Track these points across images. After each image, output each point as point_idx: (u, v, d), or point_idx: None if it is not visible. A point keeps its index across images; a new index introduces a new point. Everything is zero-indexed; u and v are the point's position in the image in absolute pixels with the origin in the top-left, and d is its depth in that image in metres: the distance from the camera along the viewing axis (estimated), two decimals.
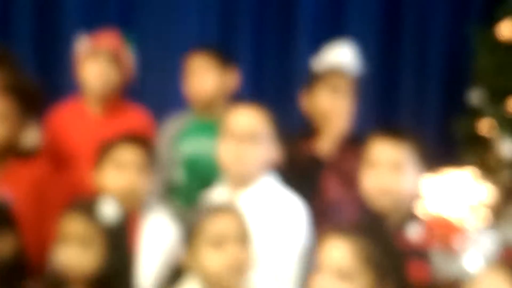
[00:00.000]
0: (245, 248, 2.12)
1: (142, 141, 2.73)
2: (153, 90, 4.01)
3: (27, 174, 2.81)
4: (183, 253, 2.18)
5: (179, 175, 3.12)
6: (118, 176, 2.57)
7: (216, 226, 2.11)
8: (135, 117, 3.19)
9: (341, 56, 3.13)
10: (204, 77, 3.16)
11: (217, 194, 2.58)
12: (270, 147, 2.57)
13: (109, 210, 2.26)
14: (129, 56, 3.28)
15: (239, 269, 2.10)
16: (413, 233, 2.11)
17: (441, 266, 1.57)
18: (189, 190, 3.01)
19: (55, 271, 2.28)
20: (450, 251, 1.54)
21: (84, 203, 2.32)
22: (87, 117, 3.21)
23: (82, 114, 3.22)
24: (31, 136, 2.98)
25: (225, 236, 2.09)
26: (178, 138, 3.16)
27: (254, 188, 2.52)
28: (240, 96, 3.90)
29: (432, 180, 1.62)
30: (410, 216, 2.24)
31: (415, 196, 2.31)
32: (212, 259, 2.08)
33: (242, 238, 2.13)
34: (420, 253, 2.05)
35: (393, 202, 2.25)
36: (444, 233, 1.55)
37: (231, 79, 3.24)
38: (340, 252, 1.86)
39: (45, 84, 3.41)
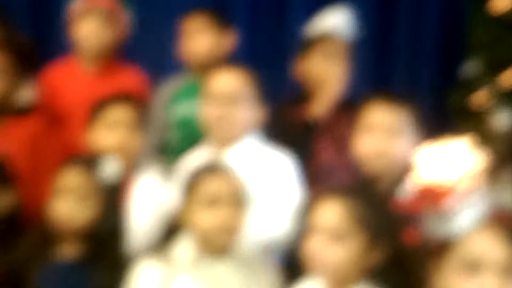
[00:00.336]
0: (237, 209, 2.11)
1: (134, 101, 2.73)
2: (149, 51, 3.91)
3: (23, 130, 2.83)
4: (178, 210, 2.18)
5: (173, 137, 3.08)
6: (109, 135, 2.59)
7: (210, 186, 2.11)
8: (130, 77, 3.16)
9: (335, 21, 3.09)
10: (200, 38, 3.12)
11: (198, 154, 2.57)
12: (253, 108, 2.57)
13: (110, 168, 2.26)
14: (124, 16, 3.24)
15: (230, 229, 2.09)
16: (405, 195, 2.11)
17: (433, 227, 1.56)
18: (182, 151, 2.92)
19: (50, 225, 2.27)
20: (441, 213, 1.53)
21: (84, 158, 2.33)
22: (81, 76, 3.18)
23: (76, 73, 3.19)
24: (26, 93, 3.00)
25: (218, 196, 2.09)
26: (172, 100, 3.12)
27: (238, 147, 2.51)
28: (234, 59, 3.94)
29: (426, 150, 1.61)
30: (403, 181, 2.22)
31: (409, 161, 2.28)
32: (205, 218, 2.07)
33: (235, 199, 2.11)
34: (411, 217, 2.05)
35: (387, 166, 2.25)
36: (436, 194, 1.53)
37: (227, 41, 3.21)
38: (332, 213, 1.86)
39: (40, 42, 3.42)
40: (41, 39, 3.58)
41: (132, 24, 3.31)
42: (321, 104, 3.00)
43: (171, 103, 3.12)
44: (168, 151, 3.04)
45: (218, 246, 2.10)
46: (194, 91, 3.04)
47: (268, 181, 2.45)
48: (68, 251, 2.25)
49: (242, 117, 2.53)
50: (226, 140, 2.53)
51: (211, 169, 2.17)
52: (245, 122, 2.55)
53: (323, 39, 3.06)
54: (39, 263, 2.22)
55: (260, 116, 2.60)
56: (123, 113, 2.63)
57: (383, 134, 2.25)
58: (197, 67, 3.16)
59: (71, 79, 3.16)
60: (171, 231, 2.19)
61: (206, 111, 2.57)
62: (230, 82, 2.56)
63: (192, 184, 2.13)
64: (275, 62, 4.00)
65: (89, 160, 2.28)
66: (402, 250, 1.89)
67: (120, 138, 2.59)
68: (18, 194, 2.46)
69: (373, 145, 2.25)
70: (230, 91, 2.53)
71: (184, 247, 2.11)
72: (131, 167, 2.61)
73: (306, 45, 3.12)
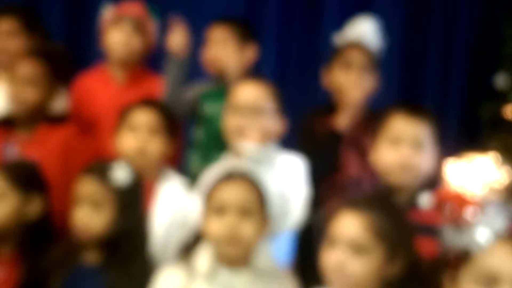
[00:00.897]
0: (248, 218, 2.06)
1: (157, 105, 2.72)
2: None
3: (56, 137, 2.85)
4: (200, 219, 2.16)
5: (200, 134, 3.11)
6: (131, 138, 2.60)
7: (221, 194, 2.09)
8: (157, 85, 3.13)
9: (360, 31, 3.07)
10: (221, 48, 3.13)
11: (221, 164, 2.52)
12: (273, 120, 2.59)
13: (121, 173, 2.25)
14: (152, 26, 3.25)
15: (238, 238, 2.04)
16: (425, 205, 2.09)
17: (452, 239, 1.53)
18: (208, 148, 3.03)
19: (74, 232, 2.29)
20: (460, 224, 1.50)
21: (98, 166, 2.31)
22: (111, 84, 3.20)
23: (106, 81, 3.21)
24: (61, 101, 3.03)
25: (227, 204, 2.06)
26: (201, 100, 3.13)
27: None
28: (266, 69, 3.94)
29: (455, 163, 1.59)
30: (423, 193, 2.20)
31: (431, 174, 2.28)
32: (213, 226, 2.06)
33: (246, 208, 2.07)
34: (429, 229, 2.06)
35: (409, 179, 2.23)
36: (455, 205, 1.51)
37: (249, 53, 3.19)
38: (354, 225, 1.84)
39: (73, 52, 3.44)
40: (75, 48, 3.59)
41: (159, 34, 3.31)
42: (345, 114, 2.96)
43: (199, 102, 3.13)
44: (195, 149, 3.12)
45: (231, 256, 2.07)
46: (219, 94, 3.06)
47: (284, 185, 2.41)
48: (90, 258, 2.26)
49: (262, 128, 2.55)
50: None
51: (226, 177, 2.14)
52: (264, 133, 2.55)
53: (347, 48, 3.05)
54: (64, 270, 2.23)
55: (281, 128, 2.62)
56: (144, 116, 2.63)
57: (408, 146, 2.23)
58: (218, 76, 3.17)
59: (101, 86, 3.19)
60: (196, 239, 2.17)
61: (228, 120, 2.61)
62: (252, 94, 2.60)
63: (208, 192, 2.12)
64: (306, 73, 4.01)
65: (102, 167, 2.27)
66: (419, 262, 1.87)
67: (140, 140, 2.59)
68: (49, 201, 2.45)
69: (396, 157, 2.23)
70: (251, 103, 2.56)
71: (204, 257, 2.10)
72: (154, 170, 2.63)
73: (333, 55, 3.11)
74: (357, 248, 1.82)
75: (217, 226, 2.05)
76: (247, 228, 2.05)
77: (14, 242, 2.36)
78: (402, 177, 2.23)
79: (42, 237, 2.39)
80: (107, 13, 3.24)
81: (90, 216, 2.21)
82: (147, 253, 2.28)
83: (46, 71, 2.89)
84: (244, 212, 2.06)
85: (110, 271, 2.19)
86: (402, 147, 2.24)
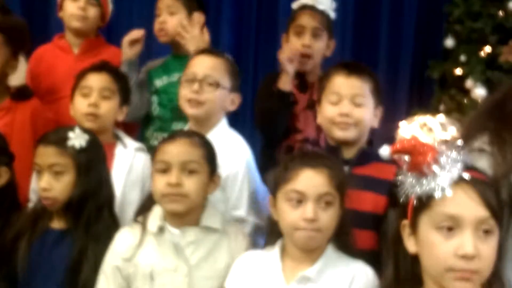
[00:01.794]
0: (190, 175, 2.04)
1: (108, 69, 2.68)
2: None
3: (22, 111, 2.82)
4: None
5: (154, 105, 3.10)
6: (83, 101, 2.57)
7: (164, 153, 2.07)
8: (112, 54, 3.11)
9: None
10: (170, 18, 3.10)
11: None
12: (228, 94, 2.52)
13: (77, 138, 2.22)
14: None
15: (179, 194, 2.02)
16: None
17: (414, 187, 1.54)
18: (162, 118, 3.04)
19: (39, 200, 2.29)
20: (420, 173, 1.51)
21: (55, 134, 2.27)
22: (68, 54, 3.15)
23: (64, 51, 3.17)
24: (21, 71, 3.01)
25: (170, 162, 2.04)
26: (149, 77, 3.14)
27: (212, 133, 2.45)
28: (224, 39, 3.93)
29: (409, 122, 1.60)
30: (368, 150, 2.28)
31: (372, 132, 2.31)
32: (158, 184, 2.05)
33: (188, 165, 2.05)
34: (375, 182, 2.16)
35: (352, 134, 2.22)
36: (415, 156, 1.52)
37: (197, 21, 3.11)
38: (320, 182, 1.86)
39: (32, 22, 3.39)
40: (33, 19, 3.54)
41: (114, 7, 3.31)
42: (285, 76, 2.92)
43: (153, 74, 3.13)
44: (152, 118, 3.11)
45: (176, 212, 2.05)
46: (170, 65, 3.12)
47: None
48: (56, 223, 2.24)
49: (216, 101, 2.49)
50: (201, 123, 2.49)
51: (170, 137, 2.14)
52: (219, 106, 2.51)
53: (300, 13, 3.00)
54: (31, 235, 2.22)
55: (235, 102, 2.57)
56: (96, 80, 2.60)
57: (347, 103, 2.22)
58: (171, 44, 3.17)
59: (59, 56, 3.15)
60: (151, 201, 2.16)
61: (183, 92, 2.52)
62: (208, 66, 2.50)
63: (155, 151, 2.12)
64: (265, 40, 4.05)
65: (58, 135, 2.24)
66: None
67: (92, 102, 2.56)
68: (14, 172, 2.42)
69: (337, 113, 2.22)
70: (207, 74, 2.47)
71: (154, 217, 2.10)
72: (107, 134, 2.61)
73: (288, 23, 3.06)
74: (326, 202, 1.85)
75: (161, 184, 2.03)
76: (190, 184, 2.03)
77: None
78: (344, 132, 2.22)
79: (7, 206, 2.36)
80: None
81: (51, 183, 2.18)
82: (111, 214, 2.27)
83: (4, 42, 2.82)
84: (186, 169, 2.04)
85: (76, 234, 2.18)
86: (342, 103, 2.22)
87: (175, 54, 3.16)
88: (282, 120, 2.86)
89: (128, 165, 2.55)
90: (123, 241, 2.10)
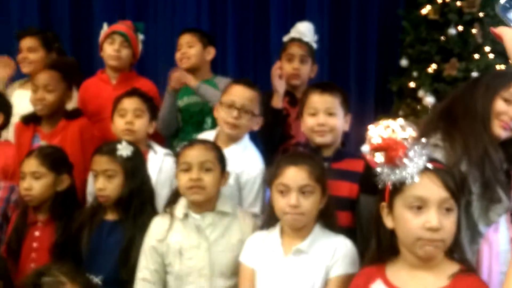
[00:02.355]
0: (207, 172, 2.04)
1: (139, 93, 2.67)
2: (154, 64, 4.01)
3: (72, 129, 2.80)
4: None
5: (178, 121, 3.07)
6: (121, 120, 2.57)
7: (186, 155, 2.06)
8: (142, 83, 3.08)
9: (299, 30, 3.01)
10: (189, 49, 3.08)
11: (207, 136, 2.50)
12: (257, 120, 2.47)
13: (123, 149, 2.22)
14: (137, 39, 3.18)
15: (199, 188, 2.02)
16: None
17: (388, 176, 1.54)
18: (185, 131, 3.01)
19: (96, 198, 2.28)
20: (393, 165, 1.51)
21: (106, 146, 2.27)
22: (108, 84, 3.13)
23: (104, 82, 3.15)
24: (74, 99, 3.03)
25: (191, 163, 2.03)
26: (179, 94, 3.09)
27: (232, 148, 2.41)
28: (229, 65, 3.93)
29: (375, 126, 1.59)
30: (342, 150, 2.27)
31: (344, 134, 2.30)
32: (182, 180, 2.04)
33: (205, 164, 2.04)
34: (349, 174, 2.15)
35: (328, 138, 2.21)
36: (389, 152, 1.52)
37: (209, 53, 3.13)
38: (301, 175, 1.85)
39: (81, 61, 3.39)
40: (81, 58, 3.53)
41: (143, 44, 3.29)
42: (277, 97, 2.90)
43: (177, 97, 3.08)
44: (177, 131, 3.09)
45: (197, 202, 2.05)
46: (187, 89, 3.06)
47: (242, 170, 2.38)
48: (109, 216, 2.25)
49: (248, 125, 2.45)
50: (231, 140, 2.44)
51: (190, 143, 2.13)
52: (249, 128, 2.47)
53: (290, 43, 2.99)
54: (90, 227, 2.22)
55: (259, 124, 2.51)
56: (129, 103, 2.59)
57: (322, 114, 2.21)
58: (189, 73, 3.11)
59: (101, 86, 3.14)
60: (176, 194, 2.16)
61: (222, 114, 2.42)
62: (247, 95, 2.42)
63: (178, 155, 2.11)
64: (260, 66, 4.04)
65: (109, 147, 2.25)
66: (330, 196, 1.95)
67: (128, 122, 2.55)
68: (73, 177, 2.42)
69: (315, 123, 2.21)
70: (246, 102, 2.40)
71: (180, 206, 2.10)
72: (141, 145, 2.56)
73: (281, 50, 3.04)
74: (306, 191, 1.84)
75: (185, 180, 2.02)
76: (207, 179, 2.03)
77: (48, 210, 2.33)
78: (322, 138, 2.20)
79: (70, 205, 2.35)
80: (103, 31, 3.17)
81: (105, 185, 2.18)
82: (152, 207, 2.27)
83: (61, 78, 2.83)
84: (204, 167, 2.04)
85: (126, 224, 2.18)
86: (319, 115, 2.21)
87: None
88: (277, 131, 2.83)
89: (158, 167, 2.52)
90: (157, 226, 2.10)
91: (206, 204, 2.07)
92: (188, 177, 2.02)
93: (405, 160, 1.50)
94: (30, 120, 2.84)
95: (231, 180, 2.24)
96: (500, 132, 1.85)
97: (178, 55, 3.11)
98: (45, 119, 2.82)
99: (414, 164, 1.50)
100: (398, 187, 1.53)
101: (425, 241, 1.48)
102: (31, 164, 2.30)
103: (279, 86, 2.87)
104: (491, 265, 1.80)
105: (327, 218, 1.92)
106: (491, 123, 1.85)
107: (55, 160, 2.35)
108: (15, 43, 3.30)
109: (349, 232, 2.00)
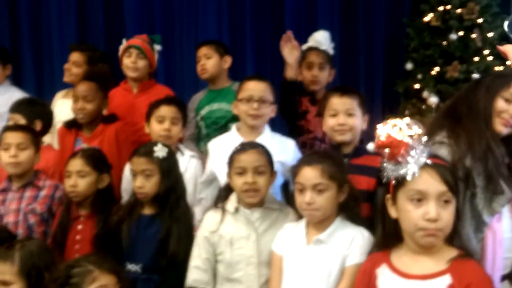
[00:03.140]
0: (260, 175, 2.03)
1: (177, 102, 2.68)
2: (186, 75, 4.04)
3: (109, 132, 2.83)
4: (227, 175, 2.13)
5: (202, 128, 3.07)
6: (159, 126, 2.58)
7: (241, 159, 2.05)
8: (161, 90, 3.08)
9: (316, 40, 3.02)
10: (208, 60, 3.08)
11: (226, 137, 2.51)
12: (272, 107, 2.49)
13: (160, 151, 2.23)
14: (153, 50, 3.17)
15: (255, 190, 2.02)
16: (371, 150, 2.10)
17: (391, 171, 1.54)
18: (210, 135, 2.97)
19: (133, 195, 2.27)
20: (397, 161, 1.51)
21: (144, 148, 2.27)
22: (130, 92, 3.12)
23: (127, 91, 3.14)
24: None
25: (246, 167, 2.02)
26: (199, 105, 3.09)
27: (262, 137, 2.42)
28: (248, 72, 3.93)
29: (383, 122, 1.59)
30: (360, 146, 2.24)
31: (363, 132, 2.28)
32: (238, 182, 2.03)
33: (259, 168, 2.03)
34: (369, 169, 2.11)
35: (348, 137, 2.21)
36: (392, 149, 1.52)
37: (226, 62, 3.12)
38: (314, 175, 1.84)
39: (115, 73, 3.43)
40: (115, 71, 3.56)
41: (160, 54, 3.28)
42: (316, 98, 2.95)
43: (198, 106, 3.09)
44: (201, 137, 3.08)
45: (252, 204, 2.04)
46: (210, 97, 3.07)
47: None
48: (147, 210, 2.25)
49: (267, 113, 2.46)
50: (256, 131, 2.45)
51: (242, 147, 2.10)
52: (268, 117, 2.48)
53: (309, 51, 3.00)
54: (130, 221, 2.22)
55: (275, 110, 2.52)
56: (168, 111, 2.60)
57: (342, 115, 2.21)
58: (208, 81, 3.14)
59: (125, 95, 3.13)
60: (225, 192, 2.16)
61: (243, 108, 2.43)
62: (262, 87, 2.45)
63: (231, 158, 2.08)
64: (277, 72, 4.00)
65: (147, 149, 2.24)
66: (355, 190, 1.94)
67: (166, 128, 2.57)
68: (111, 175, 2.45)
69: (336, 123, 2.21)
70: (262, 94, 2.43)
71: (231, 202, 2.10)
72: (175, 147, 2.60)
73: (301, 58, 3.03)
74: (319, 189, 1.83)
75: (240, 183, 2.03)
76: (261, 183, 2.03)
77: (90, 205, 2.35)
78: (342, 137, 2.21)
79: (109, 201, 2.38)
80: (122, 46, 3.18)
81: (144, 183, 2.19)
82: (185, 202, 2.27)
83: (97, 89, 2.86)
84: (258, 171, 2.03)
85: (163, 217, 2.18)
86: (339, 116, 2.21)
87: (211, 89, 3.12)
88: (293, 102, 2.86)
89: (184, 167, 2.51)
90: (210, 219, 2.10)
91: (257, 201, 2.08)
92: (244, 180, 2.02)
93: (407, 158, 1.50)
94: (72, 125, 2.88)
95: (276, 166, 2.25)
96: (502, 129, 1.83)
97: (198, 67, 3.12)
98: (86, 125, 2.86)
99: (415, 161, 1.51)
100: (401, 182, 1.54)
101: (425, 231, 1.50)
102: (77, 164, 2.33)
103: (289, 57, 2.87)
104: (495, 251, 1.79)
105: (349, 210, 1.91)
106: (492, 120, 1.83)
107: (97, 160, 2.38)
108: (54, 54, 3.33)
109: (368, 222, 1.99)
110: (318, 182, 1.83)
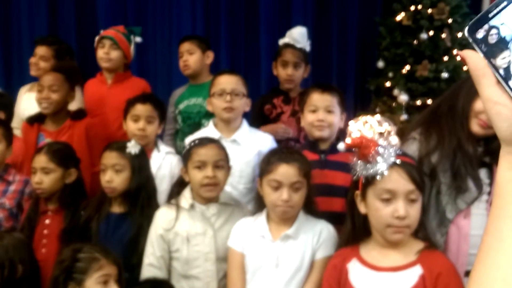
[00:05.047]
0: (220, 169, 2.00)
1: (152, 100, 2.63)
2: (160, 67, 3.99)
3: (78, 129, 2.77)
4: (181, 170, 2.11)
5: (179, 122, 3.04)
6: (134, 125, 2.53)
7: (200, 153, 2.00)
8: (136, 83, 3.06)
9: (292, 37, 2.98)
10: (190, 55, 3.04)
11: (209, 131, 2.46)
12: (246, 101, 2.46)
13: (133, 147, 2.19)
14: (127, 41, 3.10)
15: (215, 185, 1.99)
16: (342, 149, 2.10)
17: (361, 170, 1.55)
18: (184, 131, 2.97)
19: (101, 191, 2.23)
20: (366, 160, 1.52)
21: (117, 144, 2.25)
22: (104, 84, 3.07)
23: (102, 82, 3.08)
24: (77, 99, 2.97)
25: (206, 161, 1.98)
26: (178, 99, 3.07)
27: (240, 131, 2.42)
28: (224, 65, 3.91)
29: (355, 119, 1.59)
30: (338, 142, 2.23)
31: (340, 130, 2.27)
32: (197, 177, 1.98)
33: (218, 163, 2.00)
34: (344, 165, 2.05)
35: (326, 133, 2.21)
36: (362, 148, 1.53)
37: (208, 57, 3.10)
38: (291, 172, 1.83)
39: (87, 65, 3.35)
40: (87, 63, 3.49)
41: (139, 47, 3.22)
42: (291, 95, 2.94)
43: (177, 101, 3.07)
44: (177, 132, 3.06)
45: (210, 198, 2.02)
46: (189, 92, 3.04)
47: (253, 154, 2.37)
48: (116, 208, 2.22)
49: (242, 107, 2.43)
50: (231, 125, 2.43)
51: (201, 142, 2.06)
52: (242, 110, 2.45)
53: (284, 48, 2.97)
54: (99, 217, 2.19)
55: (248, 104, 2.49)
56: (143, 110, 2.54)
57: (321, 112, 2.20)
58: (190, 76, 3.10)
59: (100, 86, 3.07)
60: (181, 185, 2.12)
61: (218, 102, 2.40)
62: (234, 81, 2.44)
63: (189, 152, 2.04)
64: (250, 68, 4.03)
65: (119, 145, 2.22)
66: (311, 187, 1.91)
67: (142, 127, 2.51)
68: (80, 171, 2.40)
69: (315, 119, 2.20)
70: (236, 87, 2.41)
71: (185, 197, 2.06)
72: (151, 145, 2.56)
73: (277, 54, 3.01)
74: (295, 187, 1.83)
75: (199, 177, 1.98)
76: (220, 177, 2.01)
77: (58, 200, 2.31)
78: (320, 132, 2.20)
79: (77, 195, 2.33)
80: (97, 37, 3.12)
81: (112, 178, 2.15)
82: (156, 201, 2.24)
83: (64, 80, 2.79)
84: (217, 165, 2.01)
85: (134, 215, 2.15)
86: (319, 112, 2.21)
87: (192, 84, 3.09)
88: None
89: (158, 164, 2.49)
90: (163, 216, 2.06)
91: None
92: (203, 174, 1.97)
93: (376, 157, 1.52)
94: (35, 120, 2.81)
95: (255, 159, 2.23)
96: (478, 129, 1.81)
97: (181, 63, 3.07)
98: (50, 118, 2.78)
99: (384, 160, 1.52)
100: (370, 180, 1.55)
101: (394, 228, 1.54)
102: (41, 160, 2.28)
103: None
104: (459, 247, 1.81)
105: (309, 205, 1.91)
106: (470, 121, 1.82)
107: (63, 155, 2.33)
108: (24, 47, 3.25)
109: (344, 216, 1.98)
110: (296, 180, 1.82)
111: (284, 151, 1.97)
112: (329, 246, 1.85)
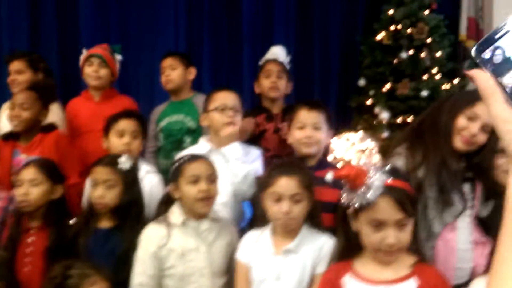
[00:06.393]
0: (213, 184, 2.01)
1: (136, 115, 2.62)
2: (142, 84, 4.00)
3: (48, 142, 2.74)
4: (170, 187, 2.08)
5: (160, 140, 3.02)
6: (118, 140, 2.49)
7: (193, 168, 2.00)
8: (123, 101, 3.05)
9: (274, 52, 3.02)
10: (173, 71, 3.04)
11: (200, 147, 2.44)
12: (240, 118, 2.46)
13: (124, 162, 2.18)
14: (114, 59, 3.12)
15: (210, 199, 2.00)
16: (329, 180, 2.11)
17: (352, 198, 1.55)
18: (166, 149, 2.96)
19: (89, 206, 2.19)
20: (355, 187, 1.53)
21: (108, 158, 2.22)
22: (91, 101, 3.07)
23: (88, 99, 3.08)
24: (50, 117, 2.90)
25: (199, 176, 1.98)
26: (160, 117, 3.05)
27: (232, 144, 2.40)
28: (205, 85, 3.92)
29: (338, 137, 1.60)
30: (324, 159, 2.22)
31: (327, 146, 2.25)
32: (191, 192, 1.97)
33: (212, 178, 2.01)
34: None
35: (313, 150, 2.22)
36: (350, 180, 1.53)
37: (191, 73, 3.10)
38: (291, 184, 1.83)
39: (67, 83, 3.32)
40: (69, 80, 3.47)
41: (122, 64, 3.21)
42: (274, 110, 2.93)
43: (159, 118, 3.05)
44: (159, 149, 3.04)
45: (205, 213, 2.01)
46: (171, 109, 3.03)
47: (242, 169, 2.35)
48: (104, 223, 2.18)
49: (239, 120, 2.44)
50: (226, 140, 2.41)
51: (192, 158, 2.06)
52: (239, 126, 2.45)
53: (267, 62, 2.99)
54: (86, 233, 2.15)
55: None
56: (128, 125, 2.51)
57: (309, 129, 2.22)
58: (172, 92, 3.10)
59: (85, 104, 3.07)
60: (168, 200, 2.09)
61: (218, 117, 2.40)
62: (234, 97, 2.46)
63: (180, 169, 2.03)
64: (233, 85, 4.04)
65: (111, 159, 2.20)
66: (316, 202, 1.91)
67: (126, 143, 2.48)
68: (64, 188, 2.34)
69: (303, 136, 2.22)
70: (236, 104, 2.43)
71: (176, 214, 2.04)
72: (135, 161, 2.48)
73: (259, 71, 3.02)
74: (296, 199, 1.83)
75: (194, 192, 1.97)
76: (214, 191, 2.01)
77: (42, 217, 2.26)
78: (308, 149, 2.21)
79: (62, 213, 2.29)
80: (83, 55, 3.11)
81: (104, 193, 2.13)
82: (144, 218, 2.21)
83: (36, 98, 2.76)
84: (211, 179, 2.01)
85: (124, 231, 2.12)
86: (306, 129, 2.22)
87: (174, 100, 3.08)
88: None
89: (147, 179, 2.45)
90: (154, 234, 2.02)
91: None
92: (198, 188, 1.96)
93: (365, 188, 1.52)
94: (9, 137, 2.79)
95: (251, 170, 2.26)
96: (461, 146, 1.85)
97: (163, 78, 3.07)
98: (23, 134, 2.76)
99: (373, 190, 1.52)
100: (360, 208, 1.56)
101: (384, 252, 1.57)
102: (30, 172, 2.24)
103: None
104: (446, 260, 1.84)
105: (313, 219, 1.91)
106: (452, 137, 1.86)
107: (51, 170, 2.30)
108: (5, 67, 3.22)
109: (332, 231, 1.98)
110: (296, 192, 1.82)
111: (285, 164, 1.98)
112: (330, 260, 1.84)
